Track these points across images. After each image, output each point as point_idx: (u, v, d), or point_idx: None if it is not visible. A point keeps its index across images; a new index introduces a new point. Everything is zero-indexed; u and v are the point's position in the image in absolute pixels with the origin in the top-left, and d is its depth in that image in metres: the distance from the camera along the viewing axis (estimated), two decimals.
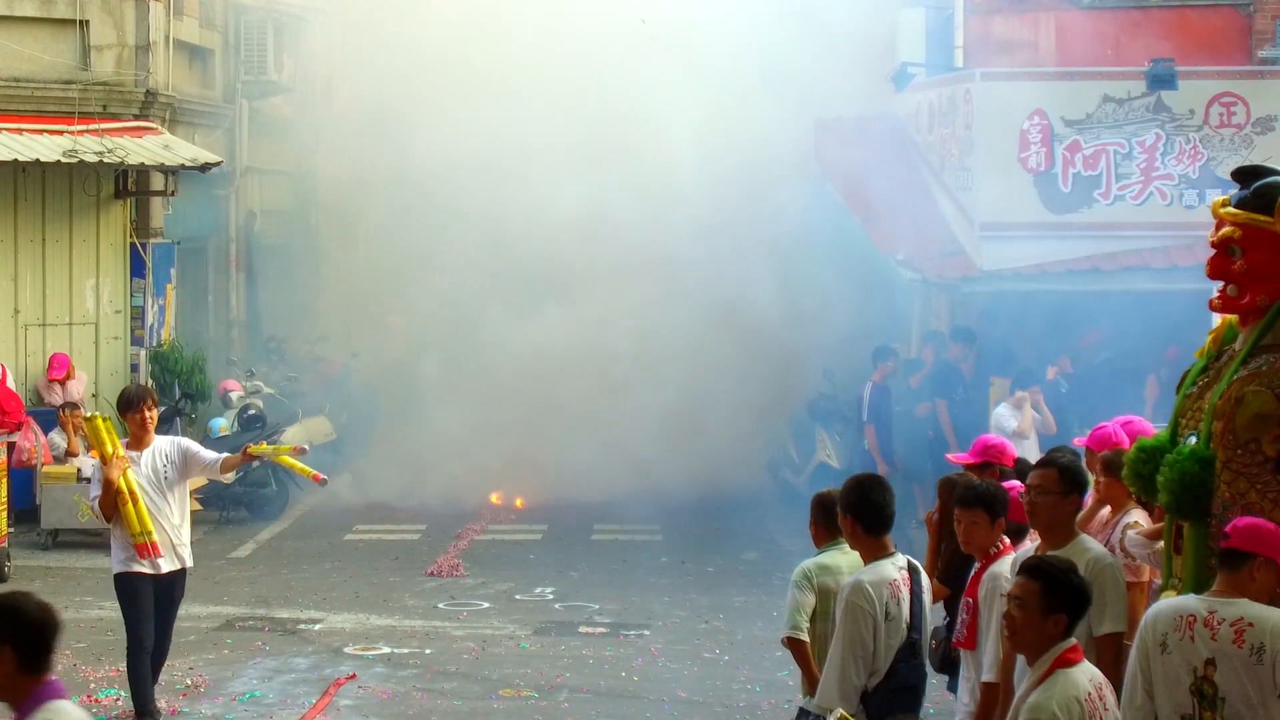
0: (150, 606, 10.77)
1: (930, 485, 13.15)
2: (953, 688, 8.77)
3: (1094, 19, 19.32)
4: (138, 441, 10.94)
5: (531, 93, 21.94)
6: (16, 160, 17.91)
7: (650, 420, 20.51)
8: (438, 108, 22.15)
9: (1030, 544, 7.85)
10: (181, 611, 11.49)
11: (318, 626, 14.25)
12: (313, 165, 26.62)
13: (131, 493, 10.65)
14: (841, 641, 7.30)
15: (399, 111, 23.33)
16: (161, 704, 11.14)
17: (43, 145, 18.43)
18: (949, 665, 8.52)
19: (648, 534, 18.63)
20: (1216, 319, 7.31)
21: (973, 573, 7.83)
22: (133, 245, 20.31)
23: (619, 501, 19.63)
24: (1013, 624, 6.15)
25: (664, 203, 21.03)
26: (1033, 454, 13.76)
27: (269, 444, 11.85)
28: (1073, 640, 6.14)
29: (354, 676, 12.45)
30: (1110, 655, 7.12)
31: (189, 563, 11.02)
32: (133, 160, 18.90)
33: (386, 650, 13.35)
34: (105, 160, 18.66)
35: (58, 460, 18.05)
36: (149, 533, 10.63)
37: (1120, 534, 8.31)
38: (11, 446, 16.81)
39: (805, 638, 7.88)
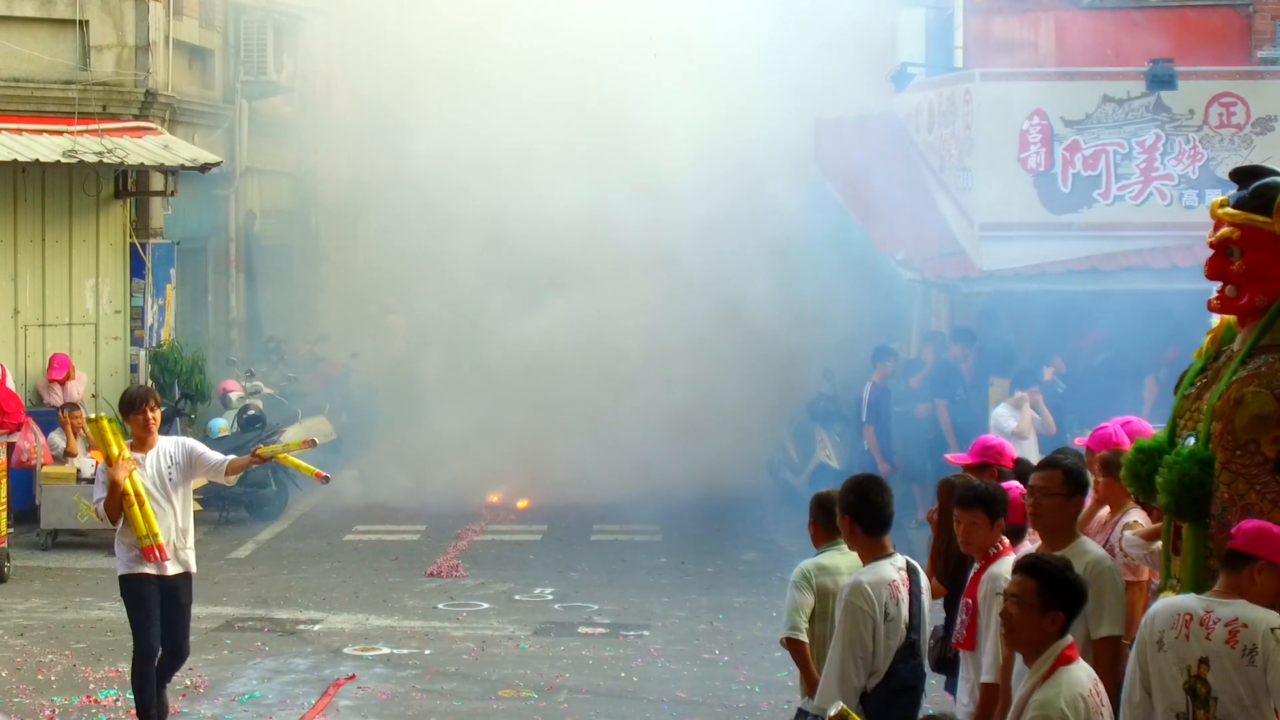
0: (156, 609, 10.63)
1: (930, 485, 13.15)
2: (950, 688, 8.76)
3: (1094, 19, 19.33)
4: (141, 443, 10.72)
5: (531, 93, 21.94)
6: (16, 160, 17.91)
7: (650, 421, 20.50)
8: (437, 108, 22.15)
9: (1029, 545, 7.85)
10: None
11: (317, 627, 14.25)
12: (312, 165, 26.62)
13: (138, 494, 10.45)
14: (841, 642, 7.30)
15: (399, 112, 23.33)
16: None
17: (42, 145, 18.43)
18: (945, 665, 8.52)
19: (647, 534, 18.63)
20: (1215, 319, 7.31)
21: (972, 573, 7.82)
22: (132, 245, 20.31)
23: (619, 502, 19.62)
24: (1010, 621, 6.16)
25: (664, 203, 21.03)
26: (1032, 454, 13.77)
27: (265, 446, 11.58)
28: (1070, 638, 6.16)
29: (353, 677, 12.45)
30: (1108, 659, 7.12)
31: (193, 567, 10.78)
32: (132, 160, 18.90)
33: (386, 651, 13.34)
34: (105, 160, 18.66)
35: (57, 461, 18.05)
36: (155, 535, 10.45)
37: (1119, 534, 8.31)
38: (11, 447, 16.82)
39: (804, 638, 7.88)
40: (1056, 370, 17.62)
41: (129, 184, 20.00)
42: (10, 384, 18.07)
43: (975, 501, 7.72)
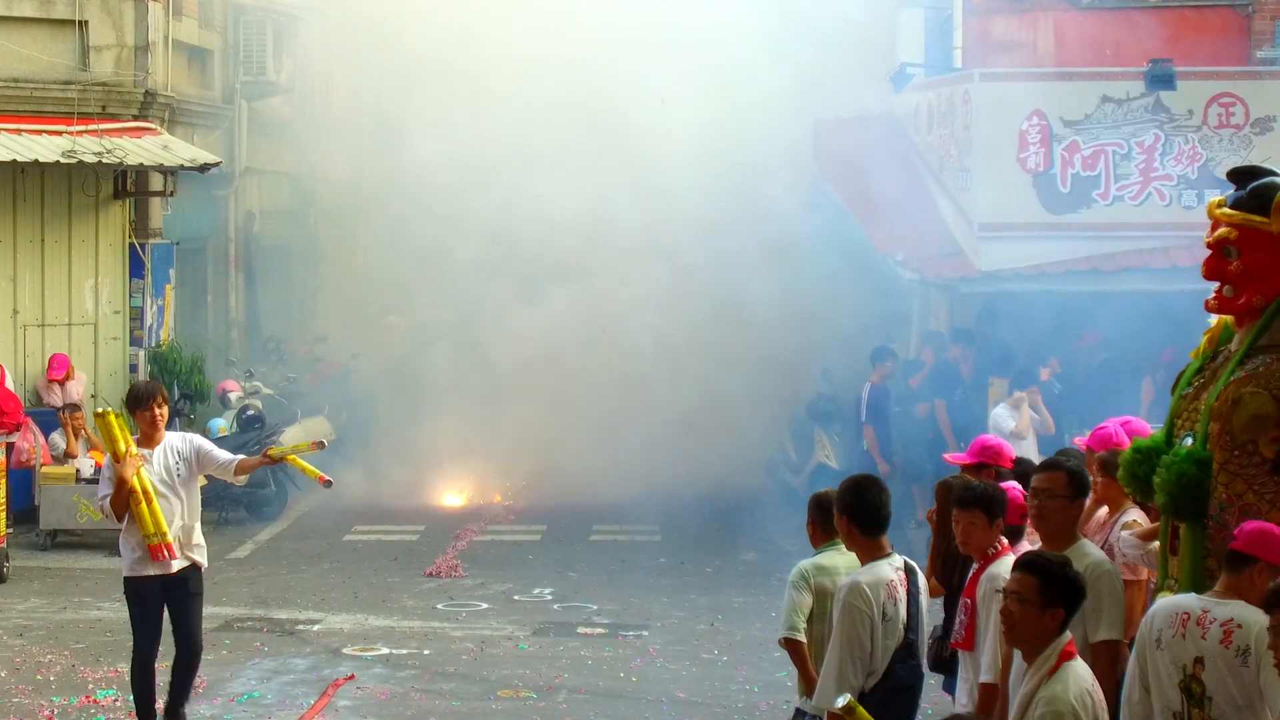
0: (159, 614, 10.51)
1: (929, 486, 13.14)
2: (948, 688, 8.77)
3: (1093, 19, 19.33)
4: (148, 439, 10.54)
5: (531, 93, 21.95)
6: (15, 161, 17.91)
7: (649, 421, 20.52)
8: (437, 108, 22.15)
9: (1027, 546, 7.85)
10: None
11: (316, 627, 14.25)
12: (312, 166, 26.62)
13: (145, 492, 10.28)
14: (839, 642, 7.30)
15: (398, 112, 23.34)
16: (160, 705, 11.02)
17: (42, 146, 18.43)
18: (943, 665, 8.52)
19: (646, 535, 18.63)
20: (1213, 319, 7.31)
21: (971, 573, 7.82)
22: (132, 246, 20.32)
23: (618, 502, 19.63)
24: (1010, 618, 6.18)
25: (663, 203, 21.04)
26: (1030, 454, 13.77)
27: (277, 447, 11.42)
28: (1069, 635, 6.19)
29: (352, 677, 12.45)
30: (1106, 662, 7.12)
31: (203, 561, 10.65)
32: (132, 161, 18.90)
33: (385, 651, 13.35)
34: (104, 161, 18.67)
35: (57, 461, 18.06)
36: (164, 534, 10.27)
37: (1117, 534, 8.31)
38: (10, 447, 16.82)
39: (802, 638, 7.88)
40: (1052, 371, 17.62)
41: (128, 184, 20.01)
42: (9, 384, 18.07)
43: (974, 502, 7.72)
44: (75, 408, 18.65)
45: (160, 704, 10.82)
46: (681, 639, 13.87)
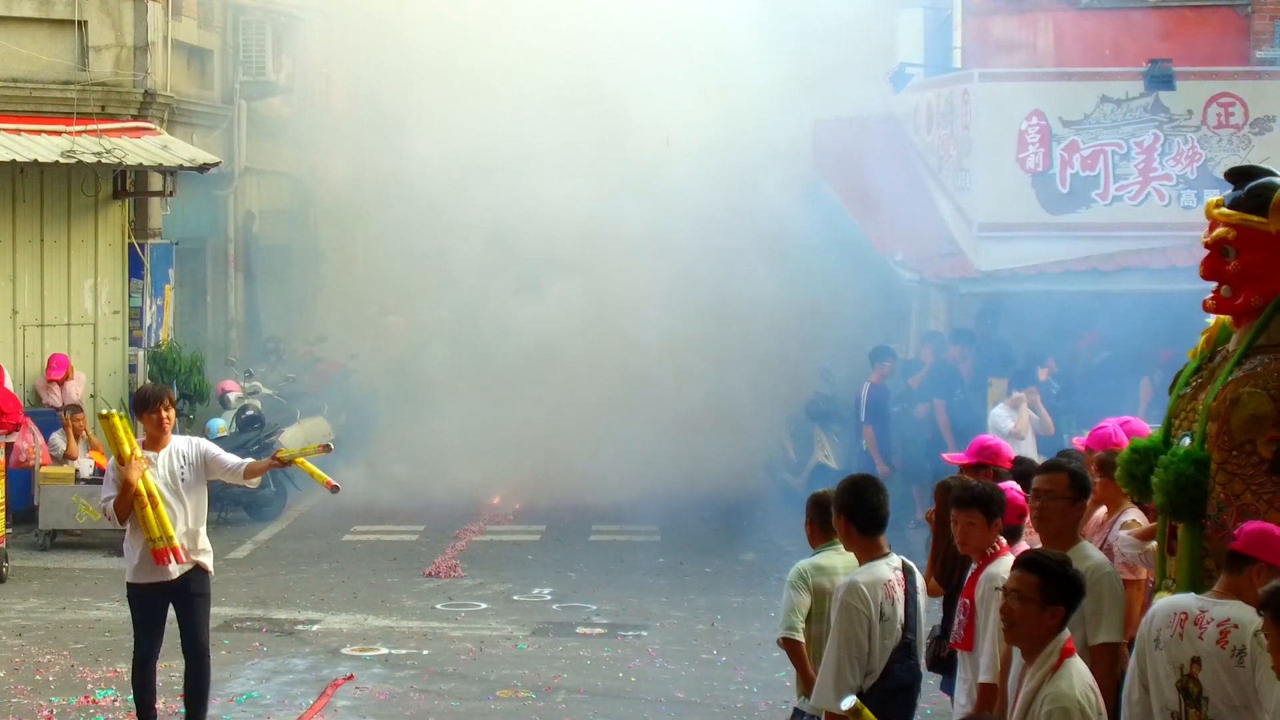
0: (160, 618, 10.38)
1: (929, 486, 13.14)
2: (946, 687, 8.77)
3: (1092, 19, 19.33)
4: (154, 442, 10.35)
5: (530, 92, 21.94)
6: (15, 161, 17.90)
7: (648, 421, 20.51)
8: (437, 107, 22.15)
9: (1026, 546, 7.84)
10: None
11: (315, 627, 14.25)
12: (311, 165, 26.63)
13: (150, 495, 10.11)
14: (836, 642, 7.30)
15: (398, 112, 23.34)
16: (160, 705, 11.01)
17: (41, 146, 18.42)
18: (940, 665, 8.52)
19: (646, 535, 18.63)
20: (1211, 319, 7.32)
21: (969, 573, 7.82)
22: (131, 246, 20.31)
23: (617, 502, 19.63)
24: (1011, 616, 6.20)
25: (662, 203, 21.03)
26: (1029, 454, 13.76)
27: (286, 450, 11.20)
28: (1068, 632, 6.21)
29: (351, 677, 12.45)
30: (1105, 664, 7.12)
31: (208, 566, 10.46)
32: (131, 161, 18.90)
33: (384, 651, 13.35)
34: (103, 161, 18.66)
35: (57, 462, 18.06)
36: (169, 538, 10.10)
37: (1116, 534, 8.31)
38: (10, 447, 16.82)
39: (801, 638, 7.88)
40: (1050, 371, 17.62)
41: (127, 184, 20.00)
42: (9, 384, 18.07)
43: (972, 502, 7.73)
44: (76, 409, 18.65)
45: (160, 704, 10.80)
46: (680, 639, 13.87)
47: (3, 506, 16.06)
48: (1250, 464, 6.67)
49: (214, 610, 14.22)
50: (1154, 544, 7.41)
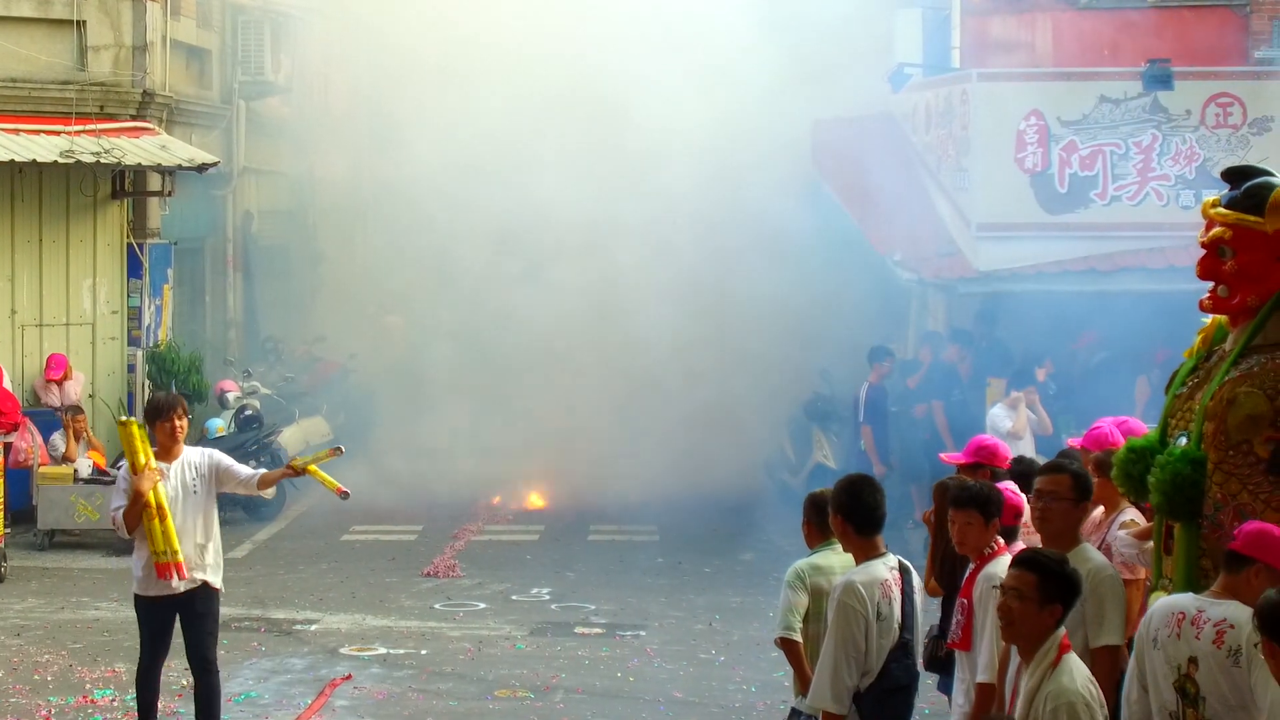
0: (166, 632, 10.19)
1: (927, 486, 13.14)
2: (943, 687, 8.77)
3: (1090, 19, 19.33)
4: (166, 451, 10.14)
5: (529, 92, 21.94)
6: (13, 161, 17.91)
7: (647, 421, 20.51)
8: (435, 107, 22.14)
9: (1023, 546, 7.84)
10: None
11: (314, 627, 14.25)
12: (310, 165, 26.63)
13: (160, 507, 9.89)
14: (833, 642, 7.30)
15: (397, 112, 23.33)
16: (158, 703, 10.98)
17: (40, 146, 18.43)
18: (938, 664, 8.52)
19: (644, 534, 18.64)
20: (1207, 319, 7.32)
21: (967, 573, 7.82)
22: (129, 246, 20.32)
23: (616, 502, 19.63)
24: (1009, 614, 6.21)
25: (660, 203, 21.03)
26: (1027, 454, 13.74)
27: (300, 458, 10.94)
28: (1064, 629, 6.25)
29: (350, 677, 12.45)
30: (1107, 667, 7.11)
31: (215, 582, 10.20)
32: (130, 161, 18.90)
33: (382, 651, 13.35)
34: (102, 161, 18.66)
35: (55, 462, 18.06)
36: (174, 552, 9.88)
37: (1115, 533, 8.31)
38: (8, 447, 16.82)
39: (798, 638, 7.88)
40: (1047, 371, 17.61)
41: (126, 184, 20.01)
42: (8, 384, 18.08)
43: (969, 502, 7.73)
44: (78, 410, 18.66)
45: (163, 704, 10.77)
46: (679, 639, 13.87)
47: (1, 506, 16.06)
48: (1247, 464, 6.67)
49: None
50: (1152, 544, 7.41)
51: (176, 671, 12.23)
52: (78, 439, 18.29)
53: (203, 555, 10.14)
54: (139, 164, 19.13)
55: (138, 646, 12.84)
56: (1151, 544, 7.46)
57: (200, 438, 18.38)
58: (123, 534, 10.24)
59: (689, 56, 21.52)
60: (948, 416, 17.61)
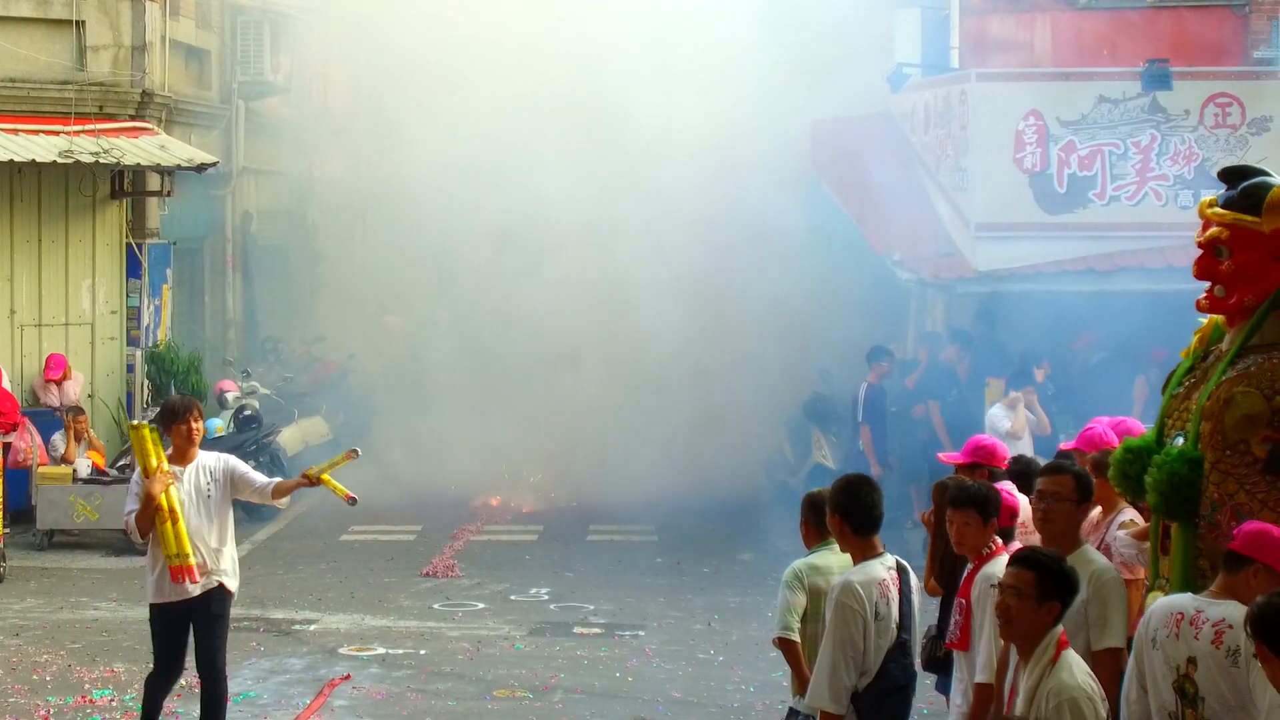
0: (181, 642, 10.01)
1: (926, 486, 13.15)
2: (941, 687, 8.77)
3: (1089, 19, 19.33)
4: (181, 455, 10.01)
5: (528, 92, 21.93)
6: (12, 161, 17.91)
7: (646, 421, 20.51)
8: (435, 107, 22.14)
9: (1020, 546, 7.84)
10: None
11: (313, 627, 14.25)
12: (309, 165, 26.63)
13: (172, 511, 9.75)
14: (831, 641, 7.30)
15: (396, 111, 23.33)
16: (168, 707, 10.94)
17: (39, 145, 18.43)
18: (936, 664, 8.52)
19: (643, 535, 18.64)
20: (1204, 319, 7.32)
21: (965, 574, 7.82)
22: (129, 246, 20.32)
23: (615, 502, 19.63)
24: (1007, 612, 6.23)
25: (659, 203, 21.03)
26: (1026, 455, 13.74)
27: (315, 467, 10.70)
28: (1061, 626, 6.27)
29: (348, 677, 12.45)
30: (1111, 669, 7.11)
31: (229, 585, 10.04)
32: (129, 161, 18.90)
33: (381, 651, 13.35)
34: (101, 161, 18.67)
35: (55, 463, 18.06)
36: (186, 555, 9.72)
37: (1113, 534, 8.31)
38: (7, 447, 16.83)
39: (796, 638, 7.88)
40: (1044, 372, 17.61)
41: (125, 184, 20.01)
42: (7, 384, 18.08)
43: (967, 501, 7.73)
44: (79, 410, 18.67)
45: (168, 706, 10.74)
46: (678, 639, 13.88)
47: (1, 506, 16.06)
48: (1244, 463, 6.67)
49: None
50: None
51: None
52: (78, 440, 18.29)
53: (218, 559, 10.00)
54: (138, 164, 19.13)
55: (136, 646, 12.95)
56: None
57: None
58: (135, 539, 10.16)
59: (688, 56, 21.52)
60: (946, 417, 17.61)
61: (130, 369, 20.27)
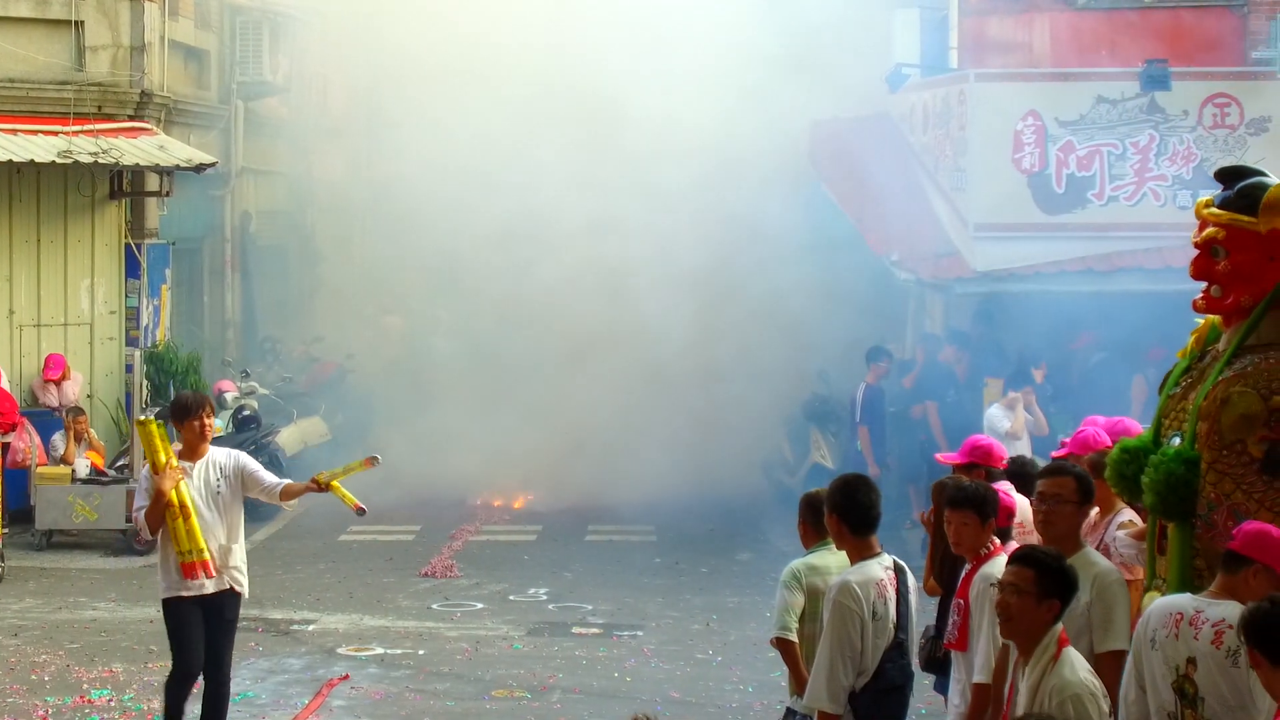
0: (198, 633, 9.95)
1: (925, 486, 13.16)
2: (939, 688, 8.77)
3: (1088, 20, 19.32)
4: (192, 451, 9.93)
5: (528, 92, 21.95)
6: (11, 161, 17.91)
7: (645, 421, 20.51)
8: (433, 107, 22.15)
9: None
10: None
11: (311, 627, 14.26)
12: (308, 166, 26.64)
13: (183, 506, 9.70)
14: (829, 641, 7.30)
15: (394, 112, 23.34)
16: (156, 703, 10.98)
17: (38, 146, 18.42)
18: (935, 665, 8.53)
19: (642, 535, 18.65)
20: (1201, 319, 7.32)
21: (964, 574, 7.83)
22: (128, 246, 20.32)
23: (614, 502, 19.63)
24: (1007, 610, 6.24)
25: (658, 203, 21.03)
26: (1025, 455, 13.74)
27: (327, 471, 10.37)
28: (1061, 624, 6.29)
29: (347, 677, 12.46)
30: (1115, 671, 7.10)
31: (242, 589, 10.03)
32: (128, 161, 18.90)
33: (380, 651, 13.36)
34: (100, 161, 18.66)
35: (54, 462, 18.06)
36: (200, 550, 9.68)
37: (1112, 534, 8.31)
38: (6, 447, 16.83)
39: (794, 638, 7.88)
40: (1043, 372, 17.61)
41: (124, 184, 20.00)
42: (5, 384, 18.09)
43: (966, 502, 7.73)
44: (79, 410, 18.66)
45: (157, 703, 10.75)
46: (676, 639, 13.88)
47: (0, 506, 16.06)
48: (1241, 463, 6.67)
49: None
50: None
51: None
52: (78, 440, 18.29)
53: (229, 556, 9.94)
54: (137, 164, 19.13)
55: (135, 647, 12.97)
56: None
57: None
58: (145, 535, 10.13)
59: (687, 56, 21.52)
60: (944, 417, 17.60)
61: (129, 369, 20.25)
